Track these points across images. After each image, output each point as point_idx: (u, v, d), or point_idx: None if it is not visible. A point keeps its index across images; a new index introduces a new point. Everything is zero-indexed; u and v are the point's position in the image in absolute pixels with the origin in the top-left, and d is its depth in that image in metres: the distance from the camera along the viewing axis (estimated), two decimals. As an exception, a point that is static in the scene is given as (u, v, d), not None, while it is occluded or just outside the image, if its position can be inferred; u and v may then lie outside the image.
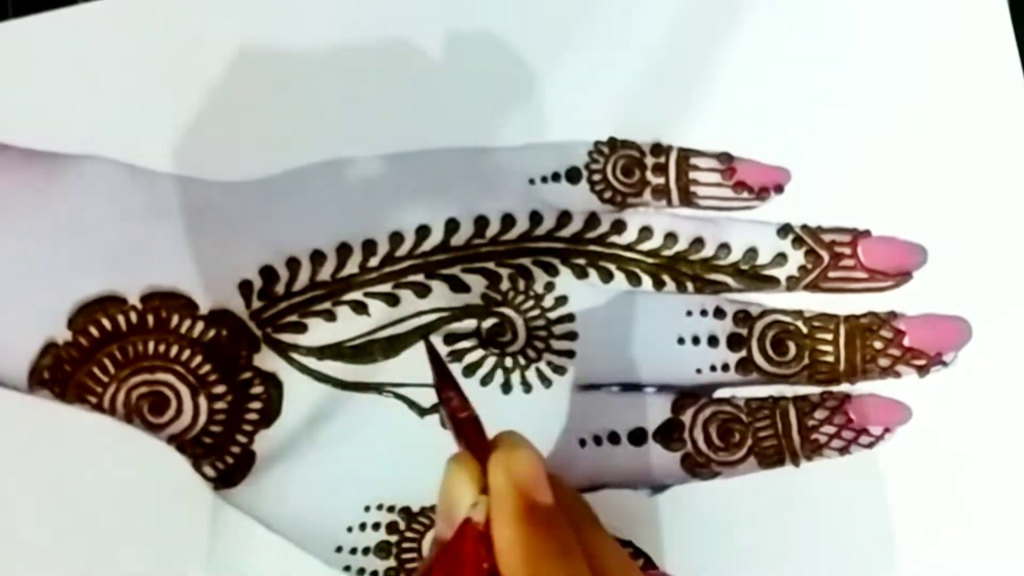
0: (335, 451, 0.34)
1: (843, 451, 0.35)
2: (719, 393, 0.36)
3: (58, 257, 0.35)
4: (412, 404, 0.35)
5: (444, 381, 0.29)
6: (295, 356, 0.35)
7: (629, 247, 0.36)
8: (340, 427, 0.35)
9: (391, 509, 0.34)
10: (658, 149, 0.37)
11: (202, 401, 0.34)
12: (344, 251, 0.35)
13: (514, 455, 0.26)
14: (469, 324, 0.35)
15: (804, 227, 0.36)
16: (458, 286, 0.36)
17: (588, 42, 0.37)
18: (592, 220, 0.36)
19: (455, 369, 0.35)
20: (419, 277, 0.35)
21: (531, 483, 0.26)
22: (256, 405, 0.35)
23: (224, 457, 0.34)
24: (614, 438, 0.35)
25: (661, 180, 0.36)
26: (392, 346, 0.35)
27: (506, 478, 0.26)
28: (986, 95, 0.37)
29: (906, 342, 0.36)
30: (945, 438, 0.35)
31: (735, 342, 0.36)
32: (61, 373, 0.34)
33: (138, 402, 0.34)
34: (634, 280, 0.36)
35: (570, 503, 0.27)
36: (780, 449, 0.35)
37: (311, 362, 0.35)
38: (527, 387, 0.35)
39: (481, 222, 0.36)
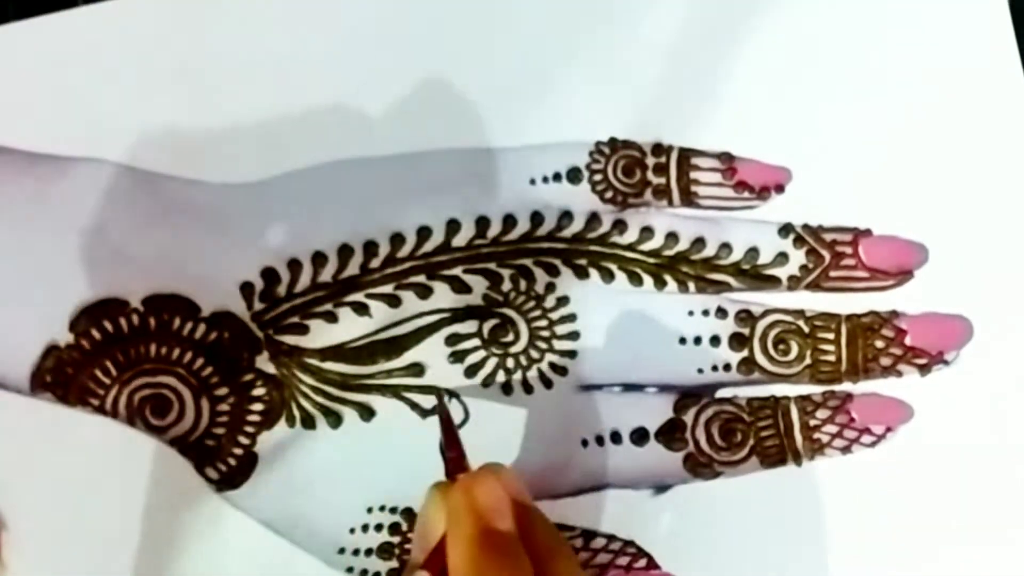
0: (337, 452, 0.35)
1: (845, 450, 0.35)
2: (721, 393, 0.36)
3: (59, 260, 0.35)
4: (414, 405, 0.35)
5: (452, 443, 0.30)
6: (297, 357, 0.35)
7: (630, 247, 0.36)
8: (342, 429, 0.35)
9: (393, 510, 0.34)
10: (659, 149, 0.37)
11: (204, 403, 0.34)
12: (345, 252, 0.35)
13: (478, 480, 0.28)
14: (471, 325, 0.35)
15: (805, 226, 0.36)
16: (460, 287, 0.36)
17: (589, 42, 0.37)
18: (593, 220, 0.36)
19: (457, 370, 0.35)
20: (420, 278, 0.35)
21: (489, 508, 0.27)
22: (258, 407, 0.35)
23: (227, 459, 0.34)
24: (616, 438, 0.35)
25: (662, 180, 0.36)
26: (394, 347, 0.35)
27: (465, 501, 0.27)
28: (986, 95, 0.37)
29: (907, 341, 0.36)
30: (947, 437, 0.35)
31: (737, 342, 0.36)
32: (63, 376, 0.34)
33: (140, 404, 0.34)
34: (636, 280, 0.36)
35: (541, 536, 0.28)
36: (782, 449, 0.35)
37: (313, 363, 0.35)
38: (528, 388, 0.35)
39: (482, 223, 0.36)
